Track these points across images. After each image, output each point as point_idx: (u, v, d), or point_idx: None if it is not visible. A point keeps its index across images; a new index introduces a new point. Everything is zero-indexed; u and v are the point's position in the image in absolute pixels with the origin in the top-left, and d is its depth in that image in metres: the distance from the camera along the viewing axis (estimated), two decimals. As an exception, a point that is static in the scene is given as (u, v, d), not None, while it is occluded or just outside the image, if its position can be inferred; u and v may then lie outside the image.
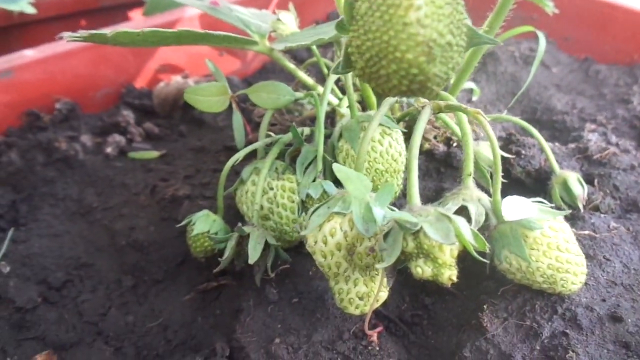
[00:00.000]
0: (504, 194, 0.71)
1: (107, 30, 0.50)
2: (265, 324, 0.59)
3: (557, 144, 0.78)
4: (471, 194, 0.56)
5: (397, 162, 0.62)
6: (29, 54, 0.79)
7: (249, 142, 0.78)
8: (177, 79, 0.91)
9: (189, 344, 0.63)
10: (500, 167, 0.52)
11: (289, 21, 0.68)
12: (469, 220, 0.55)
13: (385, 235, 0.47)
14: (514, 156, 0.70)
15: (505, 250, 0.52)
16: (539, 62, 0.72)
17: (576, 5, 1.07)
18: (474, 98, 0.92)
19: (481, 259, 0.46)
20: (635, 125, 0.84)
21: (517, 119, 0.67)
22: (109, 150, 0.81)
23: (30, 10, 0.72)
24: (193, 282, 0.68)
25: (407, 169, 0.49)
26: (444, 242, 0.42)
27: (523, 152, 0.71)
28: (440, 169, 0.76)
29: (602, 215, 0.66)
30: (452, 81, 0.72)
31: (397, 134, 0.62)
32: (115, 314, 0.66)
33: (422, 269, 0.45)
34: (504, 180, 0.70)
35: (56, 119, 0.82)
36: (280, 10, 0.71)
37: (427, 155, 0.78)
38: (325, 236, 0.51)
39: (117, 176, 0.79)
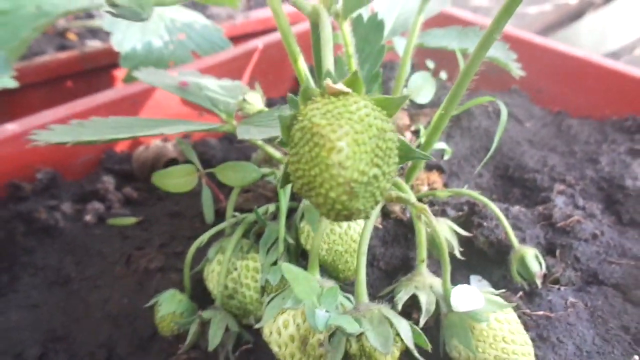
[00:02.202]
0: (468, 264, 0.73)
1: (68, 138, 0.52)
2: (228, 405, 0.60)
3: (523, 208, 0.80)
4: (424, 281, 0.58)
5: (356, 242, 0.64)
6: (10, 127, 0.82)
7: (222, 209, 0.80)
8: (156, 142, 0.93)
9: (158, 420, 0.65)
10: (447, 258, 0.54)
11: (255, 100, 0.70)
12: (417, 304, 0.57)
13: (331, 335, 0.49)
14: (472, 234, 0.72)
15: (454, 340, 0.53)
16: (501, 132, 0.74)
17: (550, 58, 1.09)
18: (446, 157, 0.94)
19: (419, 357, 0.47)
20: (602, 187, 0.86)
21: (476, 194, 0.69)
22: (88, 217, 0.83)
23: (13, 84, 0.75)
24: (165, 354, 0.70)
25: (357, 267, 0.51)
26: (382, 350, 0.44)
27: (485, 223, 0.73)
28: (408, 235, 0.78)
29: (562, 289, 0.67)
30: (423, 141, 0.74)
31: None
32: (87, 389, 0.68)
33: (365, 371, 0.46)
34: (466, 252, 0.73)
35: (37, 188, 0.85)
36: (248, 90, 0.73)
37: (395, 221, 0.80)
38: (279, 328, 0.53)
39: (95, 244, 0.82)
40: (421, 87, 0.83)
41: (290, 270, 0.49)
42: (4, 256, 0.81)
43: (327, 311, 0.47)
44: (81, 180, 0.89)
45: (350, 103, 0.40)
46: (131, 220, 0.85)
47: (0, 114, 0.97)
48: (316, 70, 0.58)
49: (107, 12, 0.49)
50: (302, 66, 0.66)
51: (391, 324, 0.46)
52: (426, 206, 0.52)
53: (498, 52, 0.90)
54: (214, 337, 0.58)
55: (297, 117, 0.41)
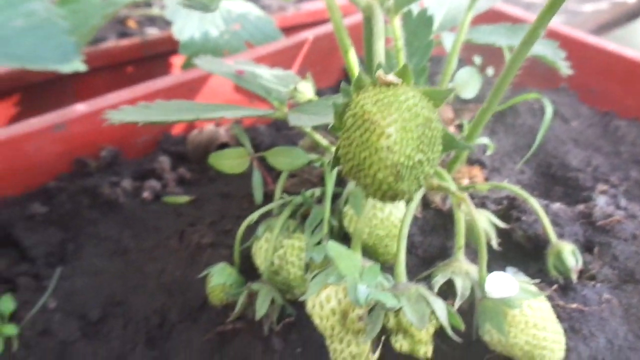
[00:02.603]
0: (505, 257, 0.75)
1: (139, 118, 0.58)
2: (270, 372, 0.65)
3: (563, 206, 0.81)
4: (460, 267, 0.61)
5: (397, 228, 0.67)
6: (79, 108, 0.89)
7: (270, 192, 0.85)
8: (209, 127, 0.99)
9: (204, 382, 0.70)
10: (484, 245, 0.56)
11: (306, 89, 0.74)
12: (454, 290, 0.59)
13: (371, 309, 0.52)
14: (510, 226, 0.74)
15: (487, 324, 0.56)
16: (545, 129, 0.75)
17: (601, 58, 1.08)
18: (489, 152, 0.95)
19: (455, 337, 0.50)
20: (647, 188, 0.85)
21: (516, 188, 0.71)
22: (145, 194, 0.90)
23: (83, 68, 0.82)
24: (212, 324, 0.75)
25: (397, 249, 0.55)
26: (418, 325, 0.47)
27: (524, 218, 0.75)
28: (447, 225, 0.81)
29: (598, 285, 0.68)
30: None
31: (399, 202, 0.67)
32: (142, 350, 0.73)
33: (400, 344, 0.50)
34: (504, 244, 0.75)
35: (101, 165, 0.92)
36: (299, 79, 0.77)
37: (436, 211, 0.82)
38: (322, 302, 0.57)
39: (151, 219, 0.88)
40: (467, 83, 0.85)
41: (335, 247, 0.53)
42: (70, 227, 0.88)
43: (367, 287, 0.51)
44: (140, 159, 0.96)
45: (399, 93, 0.43)
46: (184, 198, 0.90)
47: (68, 96, 1.05)
48: (367, 61, 0.61)
49: (178, 2, 0.54)
50: (353, 58, 0.69)
51: (427, 303, 0.50)
52: (466, 194, 0.55)
53: (546, 49, 0.91)
54: (261, 307, 0.63)
55: (349, 105, 0.45)
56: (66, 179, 0.91)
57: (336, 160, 0.47)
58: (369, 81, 0.46)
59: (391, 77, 0.44)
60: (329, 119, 0.61)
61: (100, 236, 0.87)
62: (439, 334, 0.65)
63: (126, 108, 0.62)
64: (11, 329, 0.70)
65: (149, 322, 0.77)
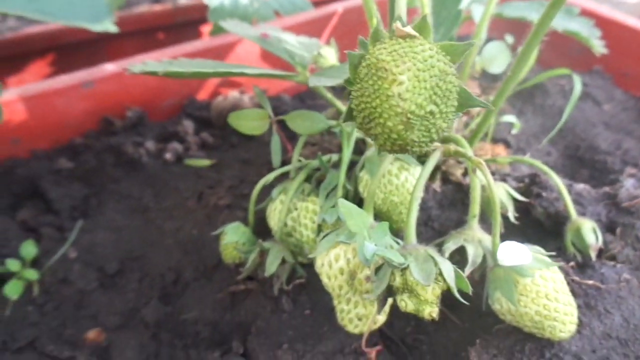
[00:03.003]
0: (523, 233, 0.74)
1: (159, 68, 0.59)
2: (278, 330, 0.66)
3: (588, 186, 0.78)
4: (473, 235, 0.60)
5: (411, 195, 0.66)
6: (108, 67, 0.90)
7: (288, 159, 0.85)
8: (233, 94, 1.00)
9: (214, 339, 0.71)
10: (498, 215, 0.55)
11: (329, 55, 0.74)
12: (466, 260, 0.59)
13: (378, 268, 0.52)
14: (529, 200, 0.72)
15: (498, 293, 0.55)
16: (573, 105, 0.73)
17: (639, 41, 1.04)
18: (514, 131, 0.93)
19: (462, 299, 0.50)
20: (678, 173, 0.82)
21: (538, 163, 0.69)
22: (168, 156, 0.91)
23: (114, 29, 0.83)
24: (225, 283, 0.76)
25: (408, 211, 0.54)
26: (424, 282, 0.47)
27: (544, 194, 0.73)
28: (466, 200, 0.79)
29: (618, 265, 0.66)
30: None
31: (415, 169, 0.67)
32: (156, 304, 0.75)
33: (405, 303, 0.50)
34: (523, 220, 0.73)
35: (126, 125, 0.93)
36: (322, 45, 0.77)
37: (455, 186, 0.81)
38: (331, 260, 0.57)
39: (172, 180, 0.89)
40: (495, 57, 0.83)
41: (345, 205, 0.52)
42: (94, 183, 0.90)
43: (375, 245, 0.51)
44: (164, 122, 0.97)
45: (416, 44, 0.42)
46: (205, 162, 0.92)
47: (99, 59, 1.07)
48: (389, 18, 0.60)
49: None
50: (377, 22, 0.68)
51: (435, 263, 0.49)
52: (482, 160, 0.54)
53: (581, 27, 0.88)
54: (271, 265, 0.63)
55: (365, 57, 0.44)
56: (92, 137, 0.93)
57: (349, 113, 0.47)
58: (387, 35, 0.45)
59: (408, 29, 0.43)
60: (339, 83, 0.61)
61: (122, 193, 0.89)
62: (448, 305, 0.65)
63: (149, 62, 0.62)
64: (32, 274, 0.73)
65: (164, 278, 0.78)
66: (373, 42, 0.45)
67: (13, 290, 0.70)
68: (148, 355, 0.70)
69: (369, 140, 0.77)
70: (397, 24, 0.44)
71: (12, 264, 0.71)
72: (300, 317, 0.67)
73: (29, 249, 0.74)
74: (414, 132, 0.40)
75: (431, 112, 0.41)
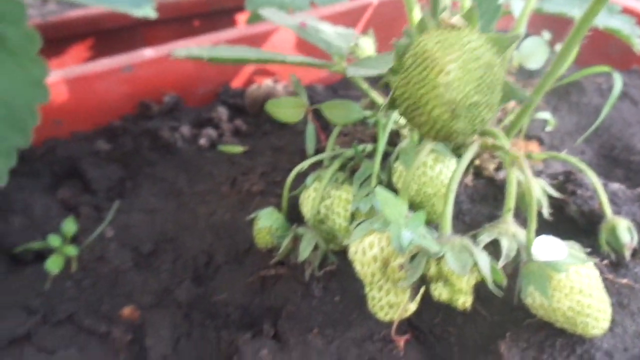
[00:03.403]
0: (556, 230, 0.73)
1: (205, 52, 0.60)
2: (308, 315, 0.67)
3: (623, 186, 0.78)
4: (507, 229, 0.60)
5: (445, 187, 0.66)
6: (147, 53, 0.92)
7: (321, 149, 0.86)
8: (267, 82, 1.01)
9: (244, 321, 0.73)
10: (535, 210, 0.55)
11: (366, 45, 0.74)
12: (500, 253, 0.59)
13: (413, 257, 0.53)
14: (564, 196, 0.72)
15: (531, 287, 0.55)
16: (612, 104, 0.72)
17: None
18: (548, 129, 0.92)
19: (496, 290, 0.50)
20: None
21: (574, 159, 0.69)
22: (202, 141, 0.93)
23: (153, 15, 0.85)
24: (256, 267, 0.78)
25: (444, 201, 0.55)
26: (460, 272, 0.48)
27: (579, 192, 0.72)
28: (498, 196, 0.79)
29: (653, 266, 0.66)
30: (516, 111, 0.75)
31: (450, 161, 0.67)
32: (189, 285, 0.77)
33: (440, 292, 0.50)
34: (556, 217, 0.73)
35: (163, 110, 0.96)
36: (360, 36, 0.77)
37: (487, 180, 0.81)
38: (365, 248, 0.58)
39: (206, 166, 0.91)
40: (533, 52, 0.83)
41: (382, 193, 0.53)
42: (130, 165, 0.93)
43: (411, 233, 0.51)
44: (199, 108, 0.99)
45: (463, 35, 0.42)
46: (239, 148, 0.93)
47: (137, 45, 1.09)
48: (431, 10, 0.61)
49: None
50: (417, 15, 0.69)
51: (471, 254, 0.50)
52: (521, 154, 0.54)
53: (623, 25, 0.87)
54: (304, 251, 0.64)
55: (410, 46, 0.45)
56: (130, 120, 0.95)
57: (392, 102, 0.48)
58: (433, 24, 0.46)
59: (456, 20, 0.44)
60: (389, 67, 0.62)
61: (157, 177, 0.91)
62: (478, 298, 0.65)
63: (192, 47, 0.64)
64: (72, 250, 0.75)
65: (197, 261, 0.80)
66: (419, 32, 0.46)
67: (54, 264, 0.72)
68: (181, 334, 0.72)
69: (403, 132, 0.77)
70: (445, 14, 0.44)
71: (54, 240, 0.74)
72: (330, 304, 0.68)
73: (70, 225, 0.76)
74: (459, 122, 0.41)
75: (476, 103, 0.41)
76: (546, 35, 1.07)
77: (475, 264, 0.50)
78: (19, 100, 0.69)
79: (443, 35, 0.43)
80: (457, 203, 0.77)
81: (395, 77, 0.47)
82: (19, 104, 0.69)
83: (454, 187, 0.55)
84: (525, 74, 1.03)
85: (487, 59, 0.42)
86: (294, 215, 0.77)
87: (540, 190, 0.68)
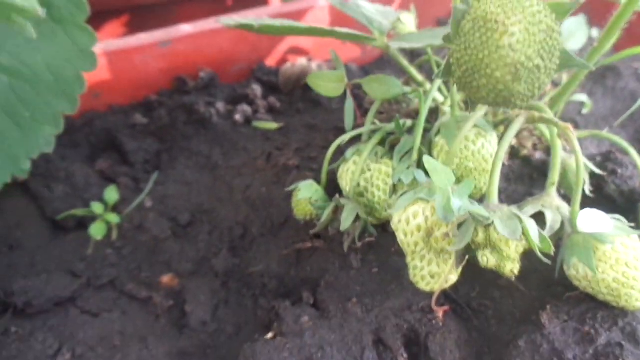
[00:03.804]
0: (593, 208, 0.74)
1: (254, 22, 0.61)
2: (346, 285, 0.68)
3: (661, 168, 0.77)
4: (551, 202, 0.60)
5: (487, 162, 0.67)
6: (185, 28, 0.93)
7: (357, 126, 0.86)
8: (302, 61, 1.01)
9: (280, 291, 0.74)
10: (582, 181, 0.56)
11: (408, 21, 0.74)
12: (544, 225, 0.59)
13: (460, 225, 0.53)
14: (606, 173, 0.72)
15: (575, 258, 0.56)
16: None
17: None
18: (585, 111, 0.92)
19: (544, 259, 0.50)
20: None
21: (616, 138, 0.69)
22: (237, 117, 0.94)
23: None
24: (292, 240, 0.79)
25: (491, 170, 0.55)
26: (510, 237, 0.48)
27: (619, 171, 0.72)
28: (534, 175, 0.80)
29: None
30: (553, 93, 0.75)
31: (492, 136, 0.67)
32: (225, 255, 0.79)
33: (487, 259, 0.51)
34: (594, 196, 0.73)
35: (198, 85, 0.97)
36: (402, 11, 0.77)
37: (523, 160, 0.81)
38: (409, 217, 0.58)
39: (240, 141, 0.92)
40: (574, 33, 0.82)
41: (430, 161, 0.54)
42: (166, 139, 0.94)
43: (460, 200, 0.52)
44: (234, 85, 1.00)
45: (524, 0, 0.43)
46: (273, 125, 0.94)
47: (170, 21, 1.10)
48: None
49: None
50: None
51: (520, 221, 0.50)
52: (569, 125, 0.54)
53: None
54: (346, 220, 0.65)
55: (469, 12, 0.45)
56: (166, 95, 0.96)
57: (447, 69, 0.48)
58: (491, -10, 0.46)
59: (516, -15, 0.44)
60: (434, 41, 0.62)
61: (192, 150, 0.92)
62: (518, 275, 0.65)
63: (239, 17, 0.64)
64: (114, 217, 0.77)
65: (233, 232, 0.82)
66: (477, -2, 0.46)
67: (98, 231, 0.74)
68: (219, 301, 0.73)
69: (443, 108, 0.77)
70: (504, -20, 0.44)
71: (97, 207, 0.76)
72: (368, 275, 0.69)
73: (112, 194, 0.78)
74: (520, 84, 0.41)
75: (538, 66, 0.41)
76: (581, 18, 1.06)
77: (524, 232, 0.50)
78: (66, 68, 0.71)
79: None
80: (493, 182, 0.77)
81: (452, 43, 0.47)
82: (66, 71, 0.71)
83: (502, 155, 0.56)
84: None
85: (548, 23, 0.42)
86: (331, 190, 0.77)
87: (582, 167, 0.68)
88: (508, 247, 0.49)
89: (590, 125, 0.95)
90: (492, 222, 0.50)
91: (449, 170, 0.54)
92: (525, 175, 0.80)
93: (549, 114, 0.59)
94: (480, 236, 0.51)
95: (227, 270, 0.77)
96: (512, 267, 0.50)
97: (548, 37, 0.42)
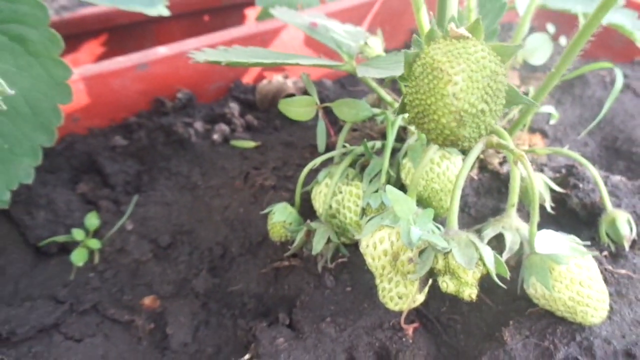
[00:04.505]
0: (558, 222, 0.77)
1: (222, 58, 0.62)
2: (321, 305, 0.70)
3: (624, 178, 0.80)
4: (511, 223, 0.63)
5: (452, 183, 0.69)
6: (161, 50, 0.95)
7: (331, 144, 0.89)
8: (278, 78, 1.03)
9: (260, 310, 0.77)
10: (537, 205, 0.58)
11: (375, 45, 0.77)
12: (504, 246, 0.62)
13: (422, 251, 0.56)
14: (566, 191, 0.75)
15: (533, 278, 0.58)
16: (613, 99, 0.75)
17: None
18: (552, 122, 0.95)
19: (499, 283, 0.53)
20: None
21: (575, 154, 0.71)
22: (215, 136, 0.96)
23: (166, 13, 0.87)
24: (270, 259, 0.81)
25: (451, 197, 0.58)
26: (466, 266, 0.51)
27: (581, 185, 0.75)
28: (502, 189, 0.82)
29: (651, 257, 0.69)
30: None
31: (457, 158, 0.70)
32: (205, 275, 0.81)
33: (447, 285, 0.54)
34: (559, 210, 0.76)
35: (176, 106, 0.98)
36: (369, 36, 0.79)
37: (492, 174, 0.84)
38: (375, 242, 0.61)
39: (219, 160, 0.94)
40: (537, 48, 0.85)
41: (392, 191, 0.56)
42: (146, 160, 0.96)
43: (420, 229, 0.55)
44: (212, 104, 1.02)
45: (469, 46, 0.45)
46: (251, 144, 0.96)
47: (149, 40, 1.12)
48: (438, 17, 0.63)
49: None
50: (424, 16, 0.71)
51: (476, 248, 0.53)
52: (524, 153, 0.57)
53: (625, 19, 0.88)
54: (318, 244, 0.68)
55: (420, 55, 0.48)
56: (145, 116, 0.98)
57: (402, 107, 0.50)
58: (440, 35, 0.48)
59: (462, 31, 0.46)
60: (396, 72, 0.64)
61: (171, 171, 0.94)
62: (483, 288, 0.68)
63: (208, 50, 0.66)
64: (95, 243, 0.79)
65: (212, 252, 0.84)
66: (428, 42, 0.48)
67: (79, 257, 0.76)
68: (199, 322, 0.76)
69: (411, 128, 0.80)
70: (452, 25, 0.46)
71: (78, 233, 0.78)
72: (342, 294, 0.71)
73: (92, 220, 0.80)
74: (465, 129, 0.43)
75: (482, 110, 0.44)
76: (550, 28, 1.09)
77: (481, 258, 0.53)
78: (43, 100, 0.72)
79: (450, 46, 0.45)
80: (463, 196, 0.80)
81: (405, 84, 0.49)
82: (43, 104, 0.73)
83: (461, 184, 0.58)
84: (528, 68, 1.05)
85: (492, 68, 0.45)
86: (306, 210, 0.80)
87: (543, 185, 0.71)
88: (466, 274, 0.52)
89: (560, 133, 0.98)
90: (451, 251, 0.52)
91: (410, 199, 0.56)
92: (494, 189, 0.83)
93: (507, 139, 0.62)
94: (440, 263, 0.54)
95: (207, 290, 0.80)
96: (470, 293, 0.53)
97: (492, 81, 0.45)
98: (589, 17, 0.60)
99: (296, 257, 0.78)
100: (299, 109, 0.76)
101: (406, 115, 0.79)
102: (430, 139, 0.46)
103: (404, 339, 0.65)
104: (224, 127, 0.97)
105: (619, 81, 0.76)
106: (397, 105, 0.76)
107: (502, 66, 0.46)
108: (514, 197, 0.63)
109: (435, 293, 0.68)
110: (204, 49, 0.68)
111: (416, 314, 0.69)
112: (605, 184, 0.78)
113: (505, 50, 0.47)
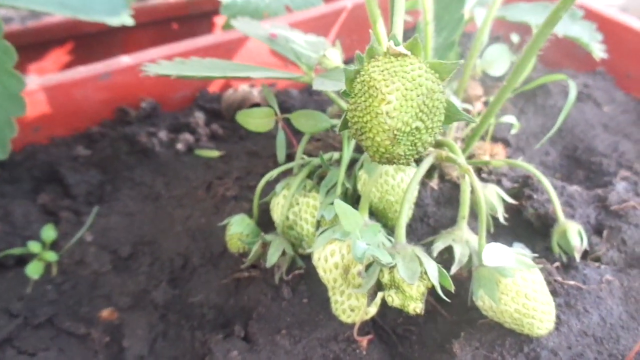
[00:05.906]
0: (514, 232, 0.78)
1: (172, 71, 0.62)
2: (277, 316, 0.70)
3: (580, 188, 0.82)
4: (461, 235, 0.64)
5: (407, 195, 0.70)
6: (124, 60, 0.94)
7: (293, 153, 0.89)
8: (243, 87, 1.03)
9: (219, 321, 0.77)
10: (484, 218, 0.59)
11: (333, 57, 0.77)
12: (453, 259, 0.63)
13: (369, 265, 0.57)
14: (520, 202, 0.76)
15: (481, 290, 0.59)
16: (567, 111, 0.76)
17: (643, 43, 1.06)
18: (513, 132, 0.96)
19: (444, 296, 0.54)
20: (670, 178, 0.85)
21: (529, 166, 0.72)
22: (179, 146, 0.96)
23: (130, 22, 0.87)
24: (231, 270, 0.81)
25: (399, 212, 0.58)
26: (409, 281, 0.51)
27: (535, 196, 0.76)
28: (461, 199, 0.83)
29: (602, 267, 0.70)
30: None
31: (411, 170, 0.70)
32: (165, 287, 0.80)
33: (392, 298, 0.54)
34: (514, 220, 0.77)
35: (140, 115, 0.98)
36: (329, 45, 0.80)
37: (453, 184, 0.85)
38: (327, 255, 0.61)
39: (183, 170, 0.94)
40: (496, 59, 0.86)
41: (340, 205, 0.57)
42: (109, 170, 0.95)
43: (367, 244, 0.55)
44: (177, 113, 1.01)
45: (406, 64, 0.45)
46: (215, 153, 0.96)
47: (116, 47, 1.11)
48: (390, 25, 0.63)
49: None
50: (380, 29, 0.71)
51: (420, 262, 0.53)
52: (470, 167, 0.57)
53: (583, 31, 0.90)
54: (272, 256, 0.68)
55: (360, 72, 0.48)
56: (108, 126, 0.97)
57: (344, 123, 0.51)
58: (382, 51, 0.48)
59: (400, 48, 0.46)
60: (339, 89, 0.65)
61: (135, 181, 0.94)
62: (439, 298, 0.69)
63: (163, 62, 0.66)
64: (51, 256, 0.78)
65: (173, 263, 0.83)
66: (369, 58, 0.49)
67: (34, 270, 0.75)
68: (157, 335, 0.75)
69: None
70: (390, 43, 0.47)
71: (34, 246, 0.77)
72: (299, 305, 0.71)
73: (49, 232, 0.79)
74: (400, 147, 0.44)
75: (417, 128, 0.44)
76: (514, 37, 1.10)
77: (425, 272, 0.53)
78: (-4, 114, 0.72)
79: (388, 64, 0.46)
80: (423, 206, 0.80)
81: (347, 100, 0.50)
82: (-4, 117, 0.72)
83: (409, 197, 0.59)
84: (494, 78, 1.07)
85: (428, 86, 0.45)
86: (266, 220, 0.80)
87: (496, 196, 0.72)
88: (410, 288, 0.52)
89: (522, 142, 0.99)
90: (395, 265, 0.53)
91: (358, 214, 0.57)
92: (454, 199, 0.83)
93: (457, 152, 0.62)
94: (386, 277, 0.54)
95: (167, 302, 0.79)
96: (415, 307, 0.53)
97: (428, 99, 0.45)
98: (537, 31, 0.61)
99: (256, 268, 0.78)
100: (258, 120, 0.76)
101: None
102: (369, 155, 0.47)
103: (357, 351, 0.65)
104: (188, 136, 0.97)
105: (572, 93, 0.77)
106: (337, 124, 0.77)
107: (439, 84, 0.47)
108: (465, 209, 0.63)
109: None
110: (159, 61, 0.68)
111: (372, 325, 0.70)
112: (561, 194, 0.79)
113: (443, 68, 0.47)
